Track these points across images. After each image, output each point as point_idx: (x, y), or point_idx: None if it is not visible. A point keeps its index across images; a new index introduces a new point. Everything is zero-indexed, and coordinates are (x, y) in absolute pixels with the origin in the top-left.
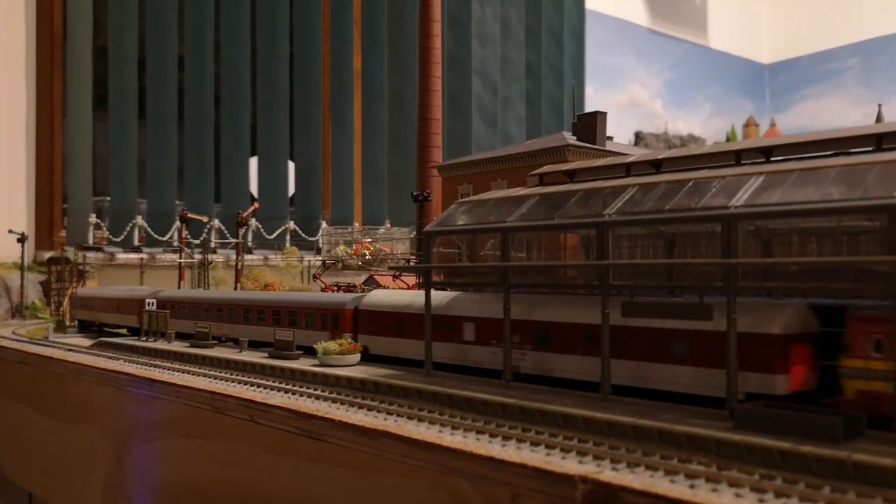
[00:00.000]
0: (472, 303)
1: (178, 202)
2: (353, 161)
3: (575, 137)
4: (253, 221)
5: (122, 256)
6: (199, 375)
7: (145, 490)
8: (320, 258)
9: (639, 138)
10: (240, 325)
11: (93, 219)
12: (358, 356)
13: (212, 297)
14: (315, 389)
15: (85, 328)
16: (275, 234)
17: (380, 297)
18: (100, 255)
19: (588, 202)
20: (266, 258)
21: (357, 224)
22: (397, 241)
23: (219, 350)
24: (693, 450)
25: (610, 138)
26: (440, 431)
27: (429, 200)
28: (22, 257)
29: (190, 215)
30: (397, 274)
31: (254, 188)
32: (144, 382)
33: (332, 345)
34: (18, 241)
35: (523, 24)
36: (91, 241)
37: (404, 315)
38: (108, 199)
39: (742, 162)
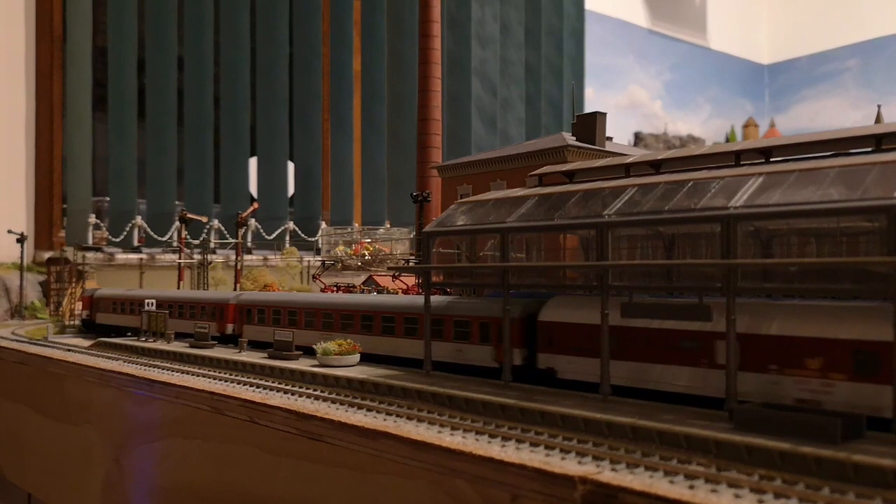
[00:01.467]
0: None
1: (177, 202)
2: (353, 161)
3: (574, 138)
4: (252, 222)
5: (122, 257)
6: (198, 376)
7: (144, 491)
8: (320, 258)
9: (638, 139)
10: (361, 336)
11: (92, 219)
12: (357, 356)
13: (317, 302)
14: (314, 390)
15: (102, 332)
16: (274, 235)
17: (568, 304)
18: (99, 255)
19: (587, 203)
20: (265, 258)
21: (356, 224)
22: (397, 242)
23: (218, 350)
24: (692, 450)
25: (609, 139)
26: (440, 432)
27: (428, 201)
28: (21, 257)
29: (189, 216)
30: (396, 274)
31: (253, 188)
32: (144, 383)
33: (332, 345)
34: (18, 241)
35: (523, 25)
36: (90, 241)
37: (616, 329)
38: (108, 199)
39: (741, 163)
